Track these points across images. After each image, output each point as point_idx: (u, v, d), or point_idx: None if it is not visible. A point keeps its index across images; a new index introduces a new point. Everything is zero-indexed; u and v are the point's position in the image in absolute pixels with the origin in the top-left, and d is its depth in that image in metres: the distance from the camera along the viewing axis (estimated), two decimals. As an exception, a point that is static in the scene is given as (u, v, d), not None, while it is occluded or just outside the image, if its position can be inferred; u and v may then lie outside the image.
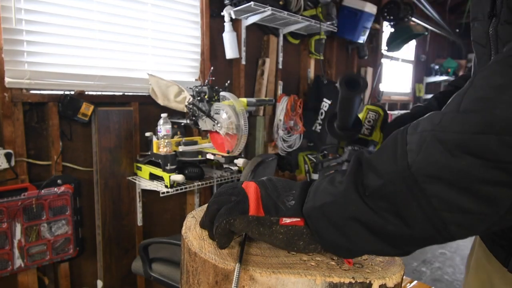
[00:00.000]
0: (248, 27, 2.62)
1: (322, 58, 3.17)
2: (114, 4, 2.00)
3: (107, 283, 2.03)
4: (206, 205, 0.67)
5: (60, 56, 1.85)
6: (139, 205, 2.12)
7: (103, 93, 1.99)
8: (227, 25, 2.41)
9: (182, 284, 0.52)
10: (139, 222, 2.15)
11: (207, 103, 1.88)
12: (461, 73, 5.86)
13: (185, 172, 1.94)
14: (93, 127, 1.94)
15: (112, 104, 2.02)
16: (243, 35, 2.59)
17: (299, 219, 0.42)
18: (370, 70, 4.04)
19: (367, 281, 0.41)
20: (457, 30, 5.76)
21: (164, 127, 1.91)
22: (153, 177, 2.00)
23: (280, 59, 2.92)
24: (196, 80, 2.44)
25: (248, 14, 2.45)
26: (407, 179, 0.35)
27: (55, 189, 1.77)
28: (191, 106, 1.88)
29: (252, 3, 2.24)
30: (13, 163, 1.69)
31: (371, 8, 3.32)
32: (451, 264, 3.10)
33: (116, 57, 2.06)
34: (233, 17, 2.40)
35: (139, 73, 2.15)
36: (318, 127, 3.17)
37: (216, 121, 1.85)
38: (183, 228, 0.54)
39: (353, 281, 0.41)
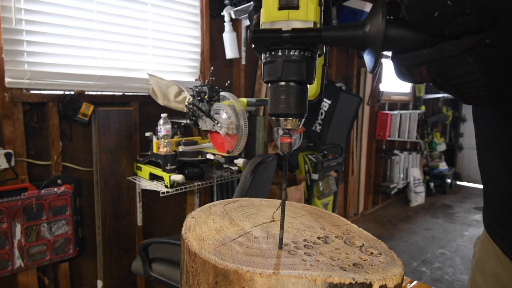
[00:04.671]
0: (248, 27, 2.62)
1: (322, 58, 3.17)
2: (114, 4, 1.99)
3: (107, 283, 2.03)
4: (206, 205, 0.67)
5: (60, 56, 1.85)
6: (139, 205, 2.12)
7: (103, 93, 1.99)
8: (227, 25, 2.40)
9: (182, 285, 0.52)
10: (139, 222, 2.15)
11: (207, 103, 1.88)
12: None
13: (185, 172, 1.94)
14: (93, 127, 1.94)
15: (112, 104, 2.02)
16: (243, 35, 2.59)
17: None
18: (370, 70, 4.04)
19: (368, 282, 0.41)
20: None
21: (164, 127, 1.91)
22: (153, 177, 2.00)
23: (280, 59, 2.92)
24: (196, 80, 2.44)
25: (248, 14, 2.45)
26: None
27: (55, 189, 1.77)
28: (191, 106, 1.88)
29: (252, 3, 2.23)
30: (13, 163, 1.69)
31: (371, 8, 3.31)
32: (451, 264, 3.10)
33: (116, 57, 2.06)
34: (233, 17, 2.40)
35: (139, 73, 2.15)
36: (318, 127, 3.17)
37: (216, 121, 1.85)
38: (183, 228, 0.54)
39: (353, 282, 0.41)
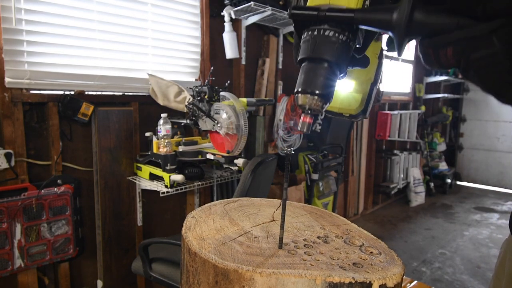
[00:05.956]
0: (248, 27, 2.62)
1: (322, 58, 3.17)
2: (114, 4, 1.99)
3: (107, 283, 2.03)
4: (206, 205, 0.67)
5: (60, 56, 1.85)
6: (139, 205, 2.12)
7: (103, 93, 1.99)
8: (227, 25, 2.41)
9: (182, 284, 0.52)
10: (139, 222, 2.15)
11: (207, 103, 1.88)
12: (461, 73, 5.85)
13: (185, 172, 1.94)
14: (93, 127, 1.94)
15: (112, 104, 2.02)
16: (243, 35, 2.59)
17: None
18: (370, 70, 4.04)
19: (367, 281, 0.41)
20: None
21: (164, 127, 1.91)
22: (153, 177, 2.00)
23: (280, 59, 2.92)
24: (196, 80, 2.44)
25: (248, 14, 2.45)
26: None
27: (55, 189, 1.77)
28: (191, 106, 1.88)
29: (252, 3, 2.24)
30: (13, 163, 1.69)
31: (371, 8, 3.31)
32: (451, 264, 3.10)
33: (116, 57, 2.06)
34: (233, 17, 2.40)
35: (139, 73, 2.15)
36: (318, 127, 3.17)
37: (216, 121, 1.85)
38: (183, 228, 0.54)
39: (353, 281, 0.41)
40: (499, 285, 0.72)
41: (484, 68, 0.37)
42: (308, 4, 0.47)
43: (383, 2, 0.50)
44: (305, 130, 0.50)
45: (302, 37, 0.48)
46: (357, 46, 0.50)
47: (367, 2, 0.47)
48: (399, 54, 0.44)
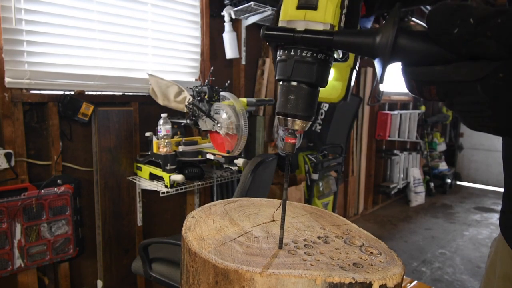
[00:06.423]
0: (248, 27, 2.62)
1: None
2: (114, 4, 1.99)
3: (107, 283, 2.03)
4: (206, 205, 0.67)
5: (60, 56, 1.84)
6: (139, 205, 2.12)
7: (103, 93, 1.99)
8: (227, 25, 2.41)
9: (182, 284, 0.52)
10: (139, 222, 2.15)
11: (207, 103, 1.88)
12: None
13: (185, 172, 1.94)
14: (93, 127, 1.94)
15: (112, 104, 2.02)
16: (243, 35, 2.59)
17: None
18: (370, 70, 4.04)
19: (367, 282, 0.41)
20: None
21: (164, 127, 1.91)
22: (153, 177, 2.00)
23: (280, 59, 2.92)
24: (196, 80, 2.44)
25: (248, 14, 2.45)
26: None
27: (55, 189, 1.77)
28: (191, 106, 1.88)
29: (252, 3, 2.24)
30: (13, 163, 1.69)
31: (371, 8, 3.31)
32: (451, 264, 3.10)
33: (116, 57, 2.06)
34: (233, 17, 2.40)
35: (139, 73, 2.15)
36: (318, 127, 3.17)
37: (216, 121, 1.85)
38: (183, 228, 0.54)
39: (353, 281, 0.41)
40: (490, 285, 0.72)
41: (466, 112, 0.36)
42: (281, 17, 0.44)
43: (358, 14, 0.48)
44: (290, 151, 0.48)
45: (278, 54, 0.45)
46: (336, 58, 0.48)
47: (344, 11, 0.44)
48: (381, 81, 0.41)
